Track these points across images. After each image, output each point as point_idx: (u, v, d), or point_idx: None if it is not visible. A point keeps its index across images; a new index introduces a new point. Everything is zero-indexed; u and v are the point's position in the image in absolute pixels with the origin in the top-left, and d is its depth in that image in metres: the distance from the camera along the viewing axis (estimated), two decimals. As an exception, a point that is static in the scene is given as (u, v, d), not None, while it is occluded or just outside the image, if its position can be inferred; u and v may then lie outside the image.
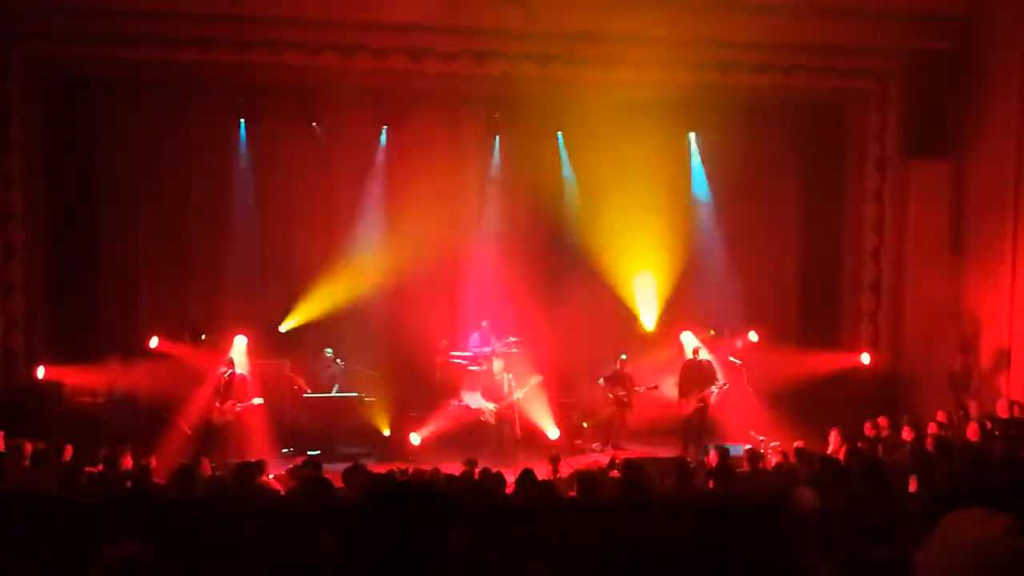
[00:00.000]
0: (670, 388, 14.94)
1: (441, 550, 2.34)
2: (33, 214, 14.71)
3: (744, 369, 15.05)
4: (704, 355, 14.84)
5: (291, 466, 10.42)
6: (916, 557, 2.15)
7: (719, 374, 14.69)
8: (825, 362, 15.46)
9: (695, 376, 14.60)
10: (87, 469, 9.65)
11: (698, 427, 14.57)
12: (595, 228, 16.40)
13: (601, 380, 15.15)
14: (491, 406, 13.95)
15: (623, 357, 15.13)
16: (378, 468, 10.72)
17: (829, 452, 11.08)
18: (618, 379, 15.01)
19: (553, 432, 14.53)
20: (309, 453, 12.58)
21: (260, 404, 13.68)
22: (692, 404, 14.42)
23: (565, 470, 11.23)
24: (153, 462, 10.49)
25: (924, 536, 2.18)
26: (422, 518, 2.34)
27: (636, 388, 14.93)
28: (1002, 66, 14.40)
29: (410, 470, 10.73)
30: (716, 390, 14.49)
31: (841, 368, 15.59)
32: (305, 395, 14.69)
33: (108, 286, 15.69)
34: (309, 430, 14.30)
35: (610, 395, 14.96)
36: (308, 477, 8.34)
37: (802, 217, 17.09)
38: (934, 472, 8.88)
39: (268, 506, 7.50)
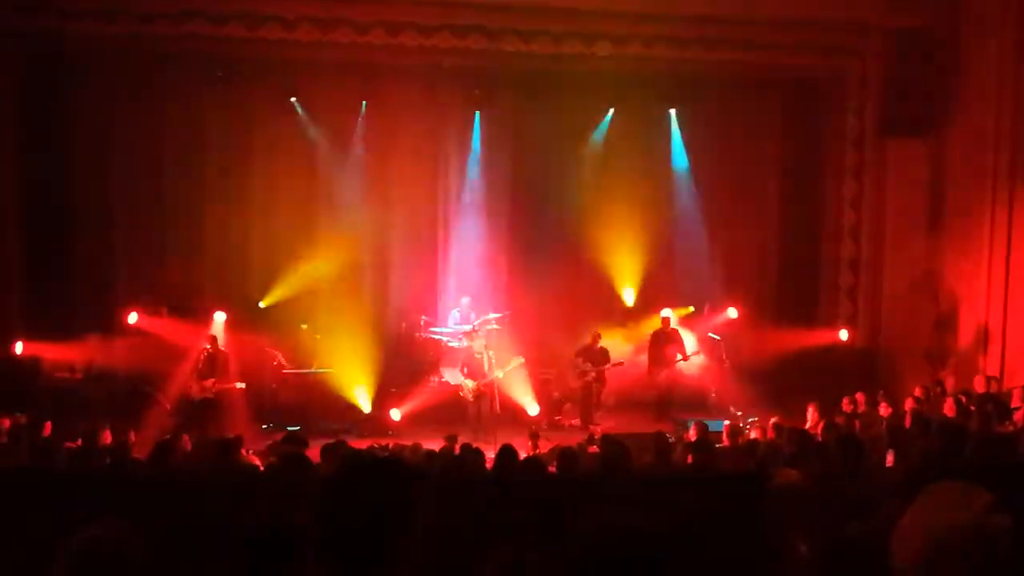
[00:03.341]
0: (642, 362, 15.07)
1: (405, 525, 2.32)
2: (7, 187, 14.54)
3: (723, 345, 15.14)
4: (673, 325, 15.00)
5: (271, 442, 10.41)
6: (894, 532, 2.15)
7: (687, 345, 14.85)
8: (803, 338, 15.57)
9: (663, 345, 14.77)
10: (66, 444, 9.62)
11: (669, 397, 14.71)
12: (575, 203, 16.39)
13: (575, 356, 15.18)
14: (470, 383, 13.91)
15: (598, 333, 15.13)
16: (358, 444, 10.72)
17: (807, 427, 11.13)
18: (590, 354, 15.00)
19: (533, 408, 14.58)
20: (289, 429, 12.56)
21: (242, 388, 13.64)
22: (661, 373, 14.61)
23: (544, 446, 11.25)
24: (132, 437, 10.47)
25: (900, 510, 2.17)
26: (387, 493, 2.33)
27: (605, 366, 14.92)
28: (979, 44, 14.40)
29: (390, 446, 10.73)
30: (681, 358, 14.65)
31: (819, 344, 15.69)
32: (285, 371, 14.66)
33: (85, 261, 15.47)
34: (289, 406, 14.26)
35: (580, 370, 14.97)
36: (286, 452, 8.32)
37: (781, 194, 17.08)
38: (911, 447, 8.94)
39: (245, 481, 7.47)
